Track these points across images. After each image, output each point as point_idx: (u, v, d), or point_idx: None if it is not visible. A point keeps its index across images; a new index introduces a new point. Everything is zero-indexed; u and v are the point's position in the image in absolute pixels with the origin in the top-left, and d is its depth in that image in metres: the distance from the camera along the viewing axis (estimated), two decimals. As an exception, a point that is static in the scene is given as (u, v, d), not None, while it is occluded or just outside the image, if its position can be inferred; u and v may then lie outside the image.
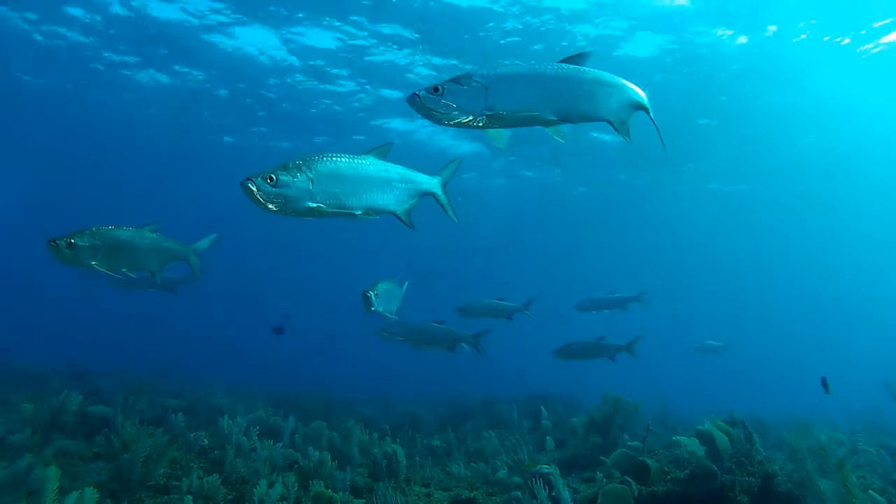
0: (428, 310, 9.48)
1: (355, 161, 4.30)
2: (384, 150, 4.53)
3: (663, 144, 4.77)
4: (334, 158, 4.20)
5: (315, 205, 4.03)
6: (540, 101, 3.97)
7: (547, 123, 4.08)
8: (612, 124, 4.36)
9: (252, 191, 3.90)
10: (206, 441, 8.34)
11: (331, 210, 4.13)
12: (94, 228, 5.69)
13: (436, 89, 3.82)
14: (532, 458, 9.43)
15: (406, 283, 8.04)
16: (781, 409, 13.22)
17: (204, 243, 6.57)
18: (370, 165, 4.38)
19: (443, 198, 4.82)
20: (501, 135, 4.20)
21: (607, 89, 4.27)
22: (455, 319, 10.22)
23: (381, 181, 4.40)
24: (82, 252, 5.62)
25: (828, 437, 7.49)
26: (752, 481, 6.41)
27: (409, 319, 8.81)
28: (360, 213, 4.27)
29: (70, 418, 8.82)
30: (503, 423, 12.46)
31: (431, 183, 4.78)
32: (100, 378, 14.39)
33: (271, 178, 3.90)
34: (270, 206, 3.94)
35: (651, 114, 4.67)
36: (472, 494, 7.35)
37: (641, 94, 4.55)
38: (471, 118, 3.89)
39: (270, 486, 6.13)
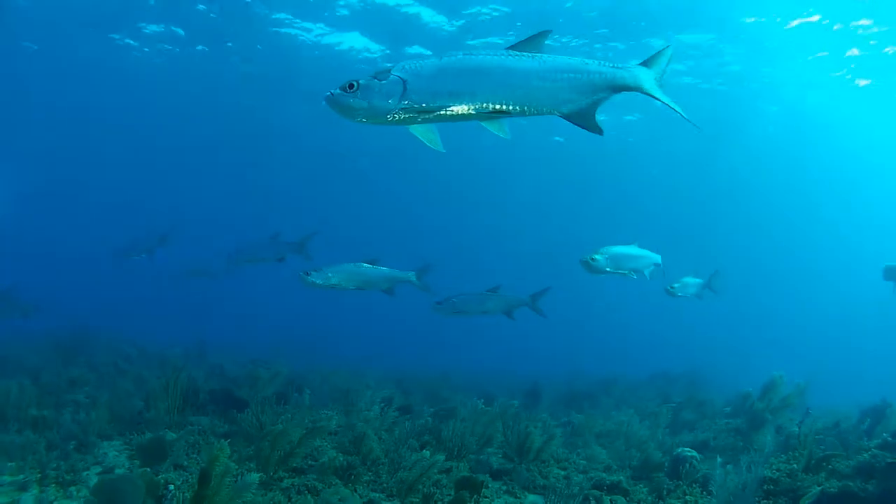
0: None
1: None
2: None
3: (697, 127, 3.95)
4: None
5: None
6: (465, 95, 3.56)
7: (483, 118, 3.67)
8: (568, 118, 3.74)
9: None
10: (334, 421, 8.21)
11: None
12: None
13: (351, 86, 3.52)
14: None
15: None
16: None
17: None
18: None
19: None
20: (430, 133, 3.77)
21: (560, 76, 3.64)
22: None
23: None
24: None
25: None
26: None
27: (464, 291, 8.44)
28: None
29: (200, 395, 8.92)
30: (627, 403, 11.90)
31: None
32: (220, 354, 14.79)
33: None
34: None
35: (660, 96, 3.84)
36: (616, 479, 6.87)
37: (624, 74, 3.78)
38: (389, 115, 3.55)
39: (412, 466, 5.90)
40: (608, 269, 7.92)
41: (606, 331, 37.78)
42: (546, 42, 3.74)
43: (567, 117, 3.75)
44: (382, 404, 8.34)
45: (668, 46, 3.86)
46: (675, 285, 9.85)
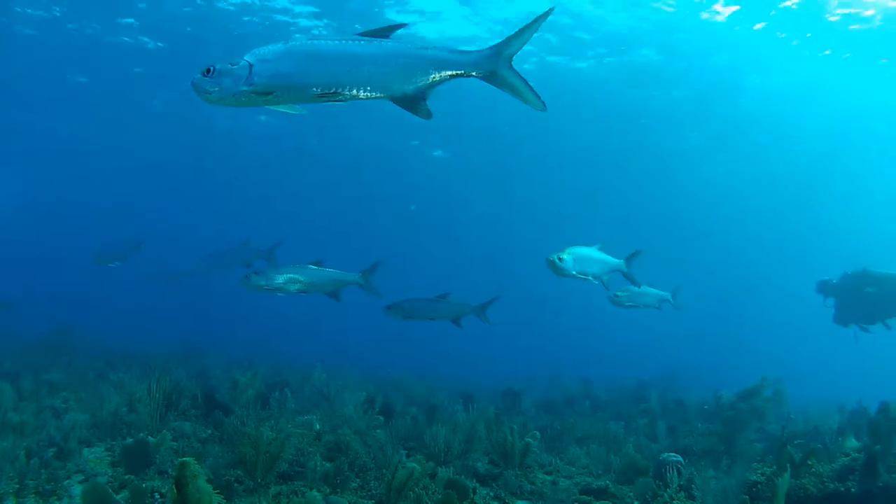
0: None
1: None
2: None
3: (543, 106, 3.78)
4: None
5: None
6: (301, 78, 3.67)
7: (319, 101, 3.76)
8: (398, 102, 3.80)
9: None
10: (317, 425, 8.18)
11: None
12: None
13: (208, 71, 3.67)
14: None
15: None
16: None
17: None
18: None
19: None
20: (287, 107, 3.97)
21: (394, 61, 3.71)
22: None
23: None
24: None
25: None
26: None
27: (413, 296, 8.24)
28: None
29: (182, 400, 8.81)
30: (607, 407, 11.98)
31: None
32: (204, 357, 14.67)
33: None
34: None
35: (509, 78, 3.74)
36: (602, 483, 6.93)
37: (462, 59, 3.77)
38: (235, 97, 3.69)
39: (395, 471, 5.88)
40: (574, 272, 7.62)
41: (586, 333, 37.96)
42: (399, 32, 3.81)
43: (396, 101, 3.80)
44: (365, 406, 8.32)
45: (530, 25, 3.64)
46: (621, 294, 9.27)
